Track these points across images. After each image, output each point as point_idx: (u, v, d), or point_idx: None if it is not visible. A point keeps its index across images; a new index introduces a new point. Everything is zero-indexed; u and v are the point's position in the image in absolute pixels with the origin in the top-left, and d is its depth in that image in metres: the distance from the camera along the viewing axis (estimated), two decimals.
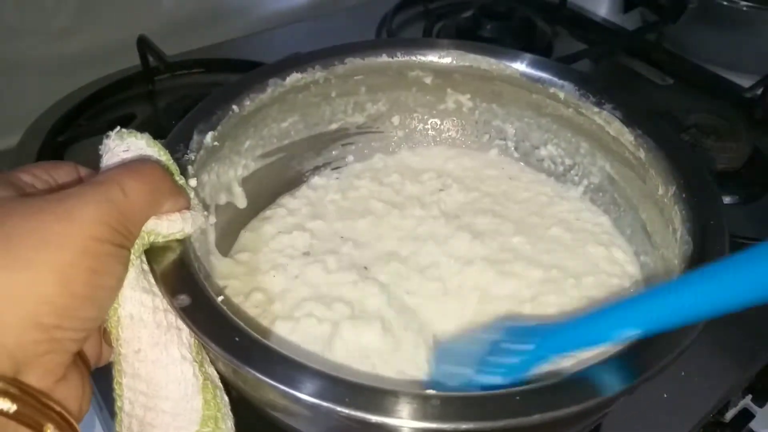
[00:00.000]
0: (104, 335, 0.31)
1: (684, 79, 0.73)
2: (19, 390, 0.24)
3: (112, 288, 0.29)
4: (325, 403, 0.27)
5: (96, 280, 0.28)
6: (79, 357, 0.29)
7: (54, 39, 0.68)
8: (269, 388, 0.28)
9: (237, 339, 0.29)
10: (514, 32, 0.76)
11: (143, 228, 0.31)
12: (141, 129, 0.62)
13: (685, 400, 0.43)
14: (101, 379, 0.32)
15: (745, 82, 0.69)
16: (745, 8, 0.70)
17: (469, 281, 0.43)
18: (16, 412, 0.24)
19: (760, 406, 0.55)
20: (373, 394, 0.28)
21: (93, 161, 0.33)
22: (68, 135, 0.60)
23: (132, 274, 0.30)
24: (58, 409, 0.26)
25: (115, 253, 0.28)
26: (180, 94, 0.66)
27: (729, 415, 0.54)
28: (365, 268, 0.44)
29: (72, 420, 0.26)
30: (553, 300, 0.42)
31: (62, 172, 0.32)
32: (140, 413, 0.31)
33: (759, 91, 0.67)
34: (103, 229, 0.27)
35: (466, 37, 0.75)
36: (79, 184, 0.30)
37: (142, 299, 0.31)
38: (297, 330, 0.39)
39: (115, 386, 0.31)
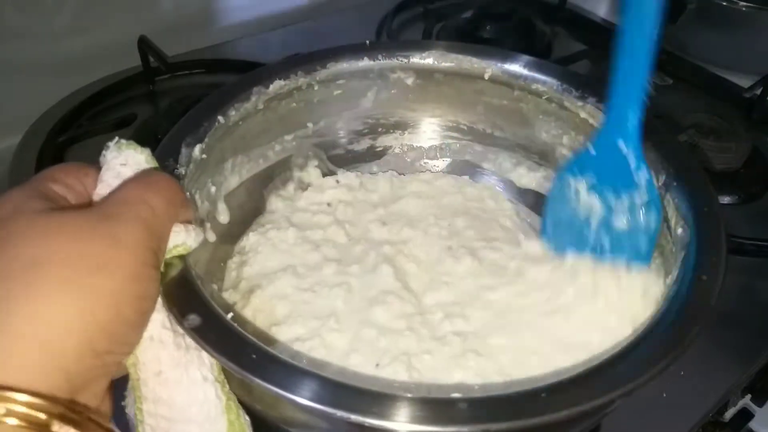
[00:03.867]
0: None
1: (683, 80, 0.74)
2: (79, 415, 0.24)
3: (150, 312, 0.29)
4: (353, 416, 0.27)
5: (142, 306, 0.28)
6: None
7: (55, 39, 0.68)
8: (292, 405, 0.28)
9: (254, 356, 0.29)
10: (513, 33, 0.76)
11: None
12: (142, 129, 0.63)
13: (685, 399, 0.43)
14: None
15: (745, 82, 0.69)
16: (744, 8, 0.70)
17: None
18: None
19: (759, 405, 0.55)
20: (405, 403, 0.27)
21: (94, 161, 0.33)
22: (69, 135, 0.60)
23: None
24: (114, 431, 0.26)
25: (155, 277, 0.29)
26: (181, 94, 0.66)
27: (728, 414, 0.54)
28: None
29: None
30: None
31: (90, 180, 0.31)
32: None
33: (758, 92, 0.67)
34: (147, 253, 0.28)
35: (466, 37, 0.76)
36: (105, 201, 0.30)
37: (164, 320, 0.30)
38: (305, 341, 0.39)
39: (136, 412, 0.30)
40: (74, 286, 0.25)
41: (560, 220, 0.43)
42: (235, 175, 0.46)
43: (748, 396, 0.55)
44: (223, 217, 0.44)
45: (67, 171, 0.31)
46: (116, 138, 0.33)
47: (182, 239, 0.32)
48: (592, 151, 0.41)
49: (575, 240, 0.42)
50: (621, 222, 0.40)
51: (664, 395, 0.43)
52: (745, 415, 0.55)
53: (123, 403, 0.33)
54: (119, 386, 0.32)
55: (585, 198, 0.41)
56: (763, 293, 0.51)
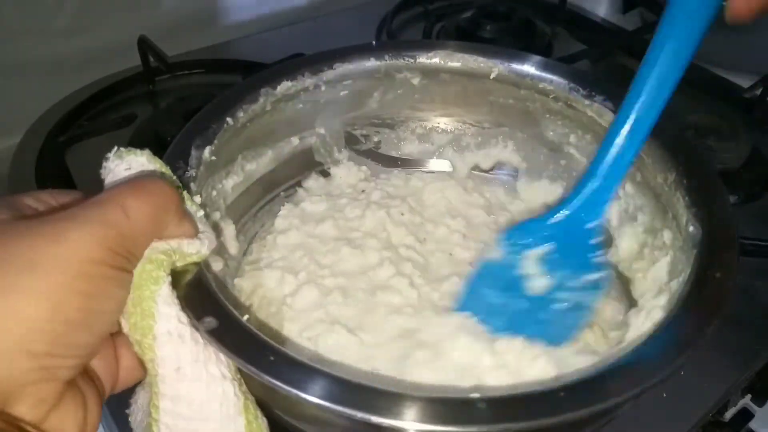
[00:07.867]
0: (120, 356, 0.30)
1: (683, 80, 0.73)
2: (6, 423, 0.23)
3: (110, 312, 0.28)
4: (374, 418, 0.27)
5: (91, 305, 0.26)
6: (87, 380, 0.28)
7: (55, 39, 0.68)
8: (315, 407, 0.28)
9: (272, 358, 0.29)
10: (513, 33, 0.76)
11: (169, 245, 0.30)
12: (142, 129, 0.63)
13: (685, 399, 0.43)
14: None
15: (745, 82, 0.69)
16: None
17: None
18: None
19: (760, 405, 0.55)
20: (424, 404, 0.27)
21: (94, 161, 0.33)
22: (69, 135, 0.60)
23: (165, 290, 0.29)
24: None
25: (114, 276, 0.27)
26: (181, 94, 0.66)
27: (728, 414, 0.54)
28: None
29: None
30: None
31: (68, 198, 0.31)
32: None
33: (758, 92, 0.67)
34: (99, 250, 0.26)
35: (466, 37, 0.75)
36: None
37: (179, 315, 0.30)
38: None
39: (152, 410, 0.30)
40: (4, 285, 0.24)
41: (486, 291, 0.41)
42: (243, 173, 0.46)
43: (749, 396, 0.55)
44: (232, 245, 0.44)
45: (44, 191, 0.31)
46: (115, 147, 0.32)
47: (197, 248, 0.32)
48: (551, 221, 0.39)
49: (496, 312, 0.40)
50: (562, 297, 0.38)
51: (664, 395, 0.43)
52: (746, 415, 0.55)
53: (127, 411, 0.33)
54: (123, 396, 0.32)
55: (532, 269, 0.39)
56: (763, 293, 0.51)
